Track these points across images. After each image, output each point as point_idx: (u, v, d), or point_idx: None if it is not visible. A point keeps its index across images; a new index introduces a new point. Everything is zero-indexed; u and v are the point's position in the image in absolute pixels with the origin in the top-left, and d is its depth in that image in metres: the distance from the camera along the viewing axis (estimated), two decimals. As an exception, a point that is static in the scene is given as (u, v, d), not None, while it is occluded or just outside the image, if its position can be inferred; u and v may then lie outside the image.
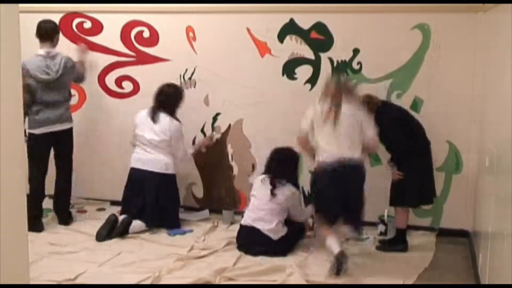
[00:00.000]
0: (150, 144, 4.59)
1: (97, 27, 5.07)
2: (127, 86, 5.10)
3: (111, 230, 4.38)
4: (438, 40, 4.37)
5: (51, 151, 4.64)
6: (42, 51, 4.49)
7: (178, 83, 4.92)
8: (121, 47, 5.02)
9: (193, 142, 4.99)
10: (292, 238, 4.25)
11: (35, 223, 4.36)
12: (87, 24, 5.08)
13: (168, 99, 4.64)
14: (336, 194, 3.79)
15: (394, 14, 4.44)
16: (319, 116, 3.82)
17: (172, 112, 4.64)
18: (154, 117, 4.60)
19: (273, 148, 4.38)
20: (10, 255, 1.92)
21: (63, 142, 4.63)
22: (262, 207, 4.16)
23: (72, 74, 4.63)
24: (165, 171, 4.59)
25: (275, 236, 4.15)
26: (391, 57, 4.26)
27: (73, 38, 5.08)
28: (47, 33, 4.51)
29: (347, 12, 4.52)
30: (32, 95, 4.39)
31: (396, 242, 4.26)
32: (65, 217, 4.68)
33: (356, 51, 4.57)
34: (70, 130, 4.66)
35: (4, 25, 1.85)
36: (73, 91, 4.85)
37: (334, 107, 3.77)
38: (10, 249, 1.92)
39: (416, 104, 4.47)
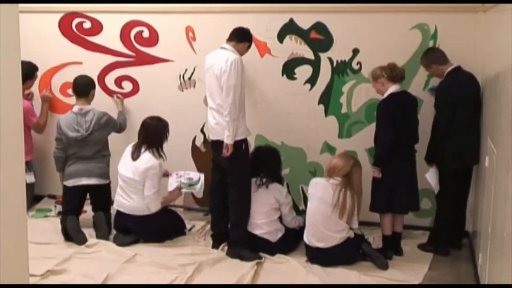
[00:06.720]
0: (129, 183, 4.39)
1: (97, 27, 5.06)
2: (127, 86, 5.10)
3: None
4: (438, 40, 4.38)
5: (85, 200, 4.67)
6: (75, 108, 4.62)
7: (178, 83, 4.93)
8: (120, 47, 5.02)
9: (193, 142, 5.00)
10: (291, 239, 4.27)
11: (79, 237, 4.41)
12: (87, 24, 5.08)
13: (151, 134, 4.42)
14: None
15: (394, 14, 4.44)
16: None
17: (156, 149, 4.43)
18: (134, 154, 4.41)
19: (254, 149, 4.43)
20: (10, 255, 1.92)
21: (97, 196, 4.65)
22: (254, 213, 4.17)
23: (107, 128, 4.65)
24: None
25: (273, 238, 4.18)
26: (391, 57, 4.25)
27: (73, 38, 5.08)
28: (82, 88, 4.63)
29: (347, 12, 4.52)
30: (63, 149, 4.58)
31: (385, 251, 4.13)
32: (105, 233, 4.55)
33: (356, 51, 4.57)
34: (101, 186, 4.62)
35: (4, 25, 1.85)
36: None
37: None
38: (10, 249, 1.92)
39: (416, 104, 4.47)
